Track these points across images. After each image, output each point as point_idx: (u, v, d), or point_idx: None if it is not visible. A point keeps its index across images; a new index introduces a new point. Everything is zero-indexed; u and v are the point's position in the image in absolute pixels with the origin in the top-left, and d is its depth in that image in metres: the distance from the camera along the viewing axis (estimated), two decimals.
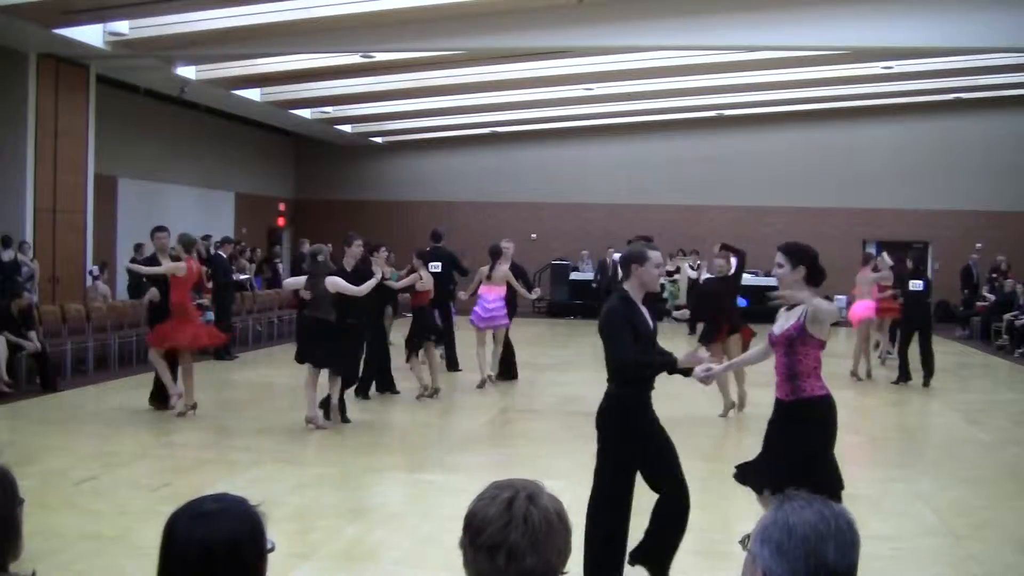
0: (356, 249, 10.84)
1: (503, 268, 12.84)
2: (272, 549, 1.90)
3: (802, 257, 5.18)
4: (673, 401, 10.75)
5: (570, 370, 15.13)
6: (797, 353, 5.11)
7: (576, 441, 9.80)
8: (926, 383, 13.73)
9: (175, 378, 10.57)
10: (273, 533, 1.92)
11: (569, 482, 7.72)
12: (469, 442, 9.77)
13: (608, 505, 5.27)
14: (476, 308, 12.87)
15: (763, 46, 15.84)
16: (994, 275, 21.70)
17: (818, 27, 14.02)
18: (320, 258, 10.02)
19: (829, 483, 5.05)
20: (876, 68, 19.36)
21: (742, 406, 11.22)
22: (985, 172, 24.54)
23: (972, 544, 6.52)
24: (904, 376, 13.88)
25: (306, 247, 19.22)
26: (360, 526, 6.73)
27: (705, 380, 5.29)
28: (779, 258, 5.26)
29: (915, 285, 13.90)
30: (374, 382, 11.90)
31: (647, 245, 5.46)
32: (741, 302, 16.43)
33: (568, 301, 24.63)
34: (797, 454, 5.12)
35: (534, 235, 25.79)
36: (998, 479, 8.60)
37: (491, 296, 12.76)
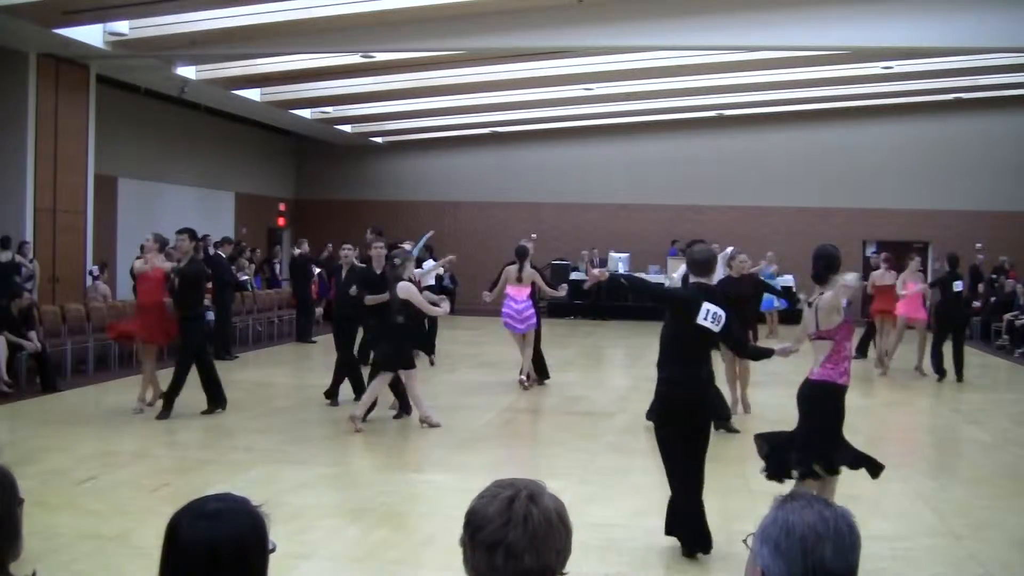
0: (377, 251, 10.67)
1: (531, 268, 12.81)
2: (273, 549, 1.89)
3: (814, 259, 6.00)
4: None
5: (570, 370, 15.11)
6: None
7: (576, 441, 9.81)
8: (960, 378, 14.21)
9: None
10: (273, 533, 1.92)
11: (569, 482, 7.73)
12: (469, 442, 9.77)
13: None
14: (505, 309, 12.78)
15: (763, 46, 15.84)
16: (994, 275, 21.71)
17: (818, 27, 14.01)
18: (397, 261, 10.05)
19: (805, 457, 5.78)
20: (876, 68, 19.36)
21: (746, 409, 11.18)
22: (985, 172, 24.53)
23: (972, 544, 6.52)
24: (941, 373, 14.36)
25: (304, 247, 19.24)
26: (360, 526, 6.73)
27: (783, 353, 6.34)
28: None
29: (958, 287, 14.54)
30: (339, 388, 11.74)
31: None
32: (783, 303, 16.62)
33: (568, 301, 24.61)
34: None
35: (534, 235, 25.78)
36: (998, 479, 8.60)
37: (520, 297, 12.66)
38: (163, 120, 20.70)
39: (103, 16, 13.89)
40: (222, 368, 14.57)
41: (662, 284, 14.19)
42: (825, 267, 6.10)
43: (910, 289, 14.74)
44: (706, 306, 5.90)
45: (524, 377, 12.91)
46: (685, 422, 5.91)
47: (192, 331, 10.77)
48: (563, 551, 1.77)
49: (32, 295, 13.75)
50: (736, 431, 9.96)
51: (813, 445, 6.03)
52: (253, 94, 19.93)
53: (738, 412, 10.94)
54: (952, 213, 24.61)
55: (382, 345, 10.08)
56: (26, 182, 15.23)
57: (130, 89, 19.25)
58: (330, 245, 21.53)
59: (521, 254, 12.76)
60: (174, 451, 9.21)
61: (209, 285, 15.07)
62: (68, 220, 16.13)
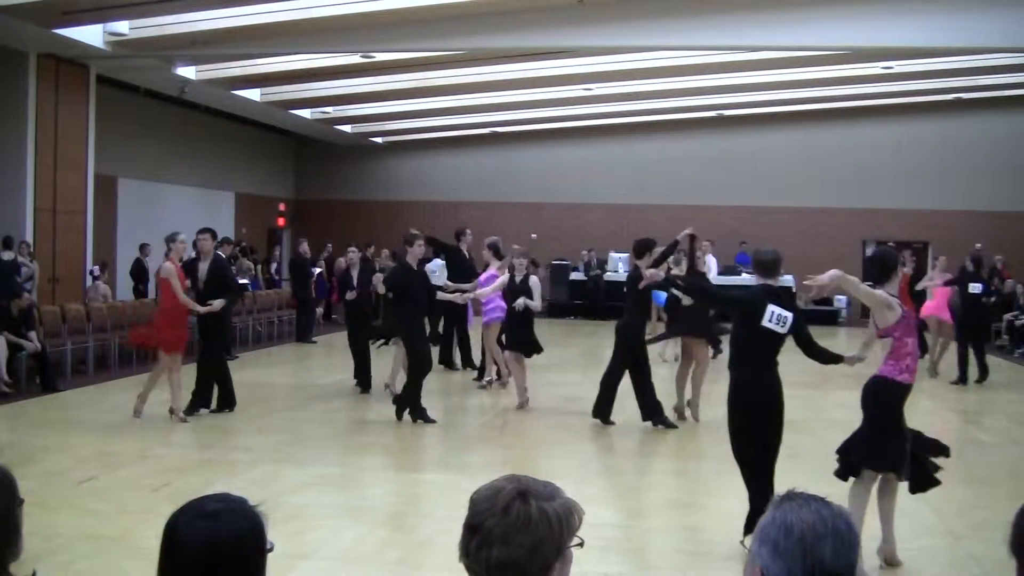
0: (418, 249, 10.95)
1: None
2: (271, 549, 1.90)
3: (870, 262, 6.22)
4: (667, 401, 10.75)
5: (570, 370, 15.11)
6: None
7: (576, 441, 9.81)
8: (981, 380, 14.15)
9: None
10: (273, 533, 1.92)
11: (569, 482, 7.71)
12: (469, 442, 9.77)
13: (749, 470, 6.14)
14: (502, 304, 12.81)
15: (763, 46, 15.84)
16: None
17: (818, 27, 14.01)
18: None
19: (869, 454, 5.76)
20: (876, 68, 19.36)
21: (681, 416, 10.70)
22: (985, 172, 24.52)
23: (972, 544, 6.52)
24: (963, 379, 14.16)
25: (304, 247, 19.24)
26: (360, 526, 6.73)
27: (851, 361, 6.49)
28: None
29: (974, 288, 14.25)
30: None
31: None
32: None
33: (568, 301, 24.63)
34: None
35: (534, 235, 25.78)
36: (998, 479, 8.60)
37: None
38: (163, 120, 20.70)
39: (103, 16, 13.89)
40: None
41: (724, 286, 14.90)
42: (880, 271, 6.05)
43: (937, 282, 14.78)
44: (771, 308, 5.95)
45: (495, 376, 12.94)
46: (754, 422, 6.03)
47: (218, 331, 10.89)
48: (539, 550, 1.74)
49: (31, 295, 13.75)
50: (674, 426, 10.12)
51: (867, 443, 5.89)
52: (253, 94, 19.93)
53: (686, 418, 10.55)
54: (952, 213, 24.60)
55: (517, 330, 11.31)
56: (26, 182, 15.23)
57: (130, 89, 19.25)
58: (330, 245, 21.56)
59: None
60: (174, 451, 9.21)
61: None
62: (68, 220, 16.13)
